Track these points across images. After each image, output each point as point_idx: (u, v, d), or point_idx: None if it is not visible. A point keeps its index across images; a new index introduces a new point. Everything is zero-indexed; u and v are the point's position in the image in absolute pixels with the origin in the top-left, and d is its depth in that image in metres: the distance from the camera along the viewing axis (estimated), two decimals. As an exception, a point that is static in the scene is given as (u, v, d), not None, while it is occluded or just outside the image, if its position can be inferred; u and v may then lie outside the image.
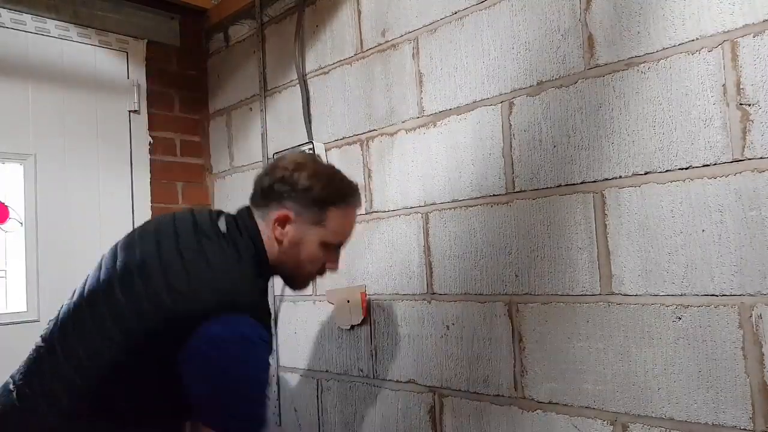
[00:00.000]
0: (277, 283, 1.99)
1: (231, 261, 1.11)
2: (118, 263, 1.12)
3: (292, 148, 1.81)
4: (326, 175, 1.20)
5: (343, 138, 1.77)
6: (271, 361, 1.11)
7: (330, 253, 1.23)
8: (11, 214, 1.84)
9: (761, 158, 1.02)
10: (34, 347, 1.14)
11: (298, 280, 1.26)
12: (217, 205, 2.29)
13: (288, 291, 1.96)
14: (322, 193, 1.16)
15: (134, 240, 1.17)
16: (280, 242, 1.17)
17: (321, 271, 1.26)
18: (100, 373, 1.04)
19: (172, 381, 1.03)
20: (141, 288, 1.06)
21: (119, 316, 1.06)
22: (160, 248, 1.11)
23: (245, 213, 1.21)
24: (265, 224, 1.18)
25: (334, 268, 1.27)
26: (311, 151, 1.77)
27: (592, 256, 1.22)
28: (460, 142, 1.46)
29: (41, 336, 1.15)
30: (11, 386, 1.10)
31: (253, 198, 1.21)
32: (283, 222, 1.16)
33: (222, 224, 1.17)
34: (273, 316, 2.00)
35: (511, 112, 1.36)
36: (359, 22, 1.73)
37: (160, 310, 1.03)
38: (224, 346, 1.02)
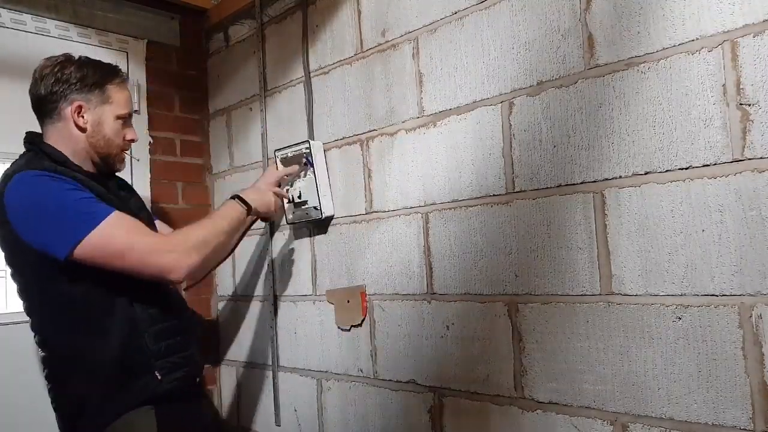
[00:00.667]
0: (277, 283, 2.00)
1: (21, 165, 1.30)
2: None
3: (292, 146, 1.81)
4: (89, 62, 1.38)
5: (343, 138, 1.77)
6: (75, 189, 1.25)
7: (126, 125, 1.42)
8: (11, 214, 1.84)
9: (761, 158, 1.02)
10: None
11: (112, 155, 1.41)
12: (218, 205, 2.29)
13: (288, 291, 1.96)
14: (95, 76, 1.35)
15: None
16: (84, 129, 1.34)
17: (125, 146, 1.43)
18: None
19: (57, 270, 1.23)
20: None
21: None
22: None
23: (27, 136, 1.39)
24: (62, 123, 1.33)
25: (134, 138, 1.44)
26: (307, 150, 1.76)
27: (592, 256, 1.22)
28: (460, 142, 1.46)
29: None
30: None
31: (39, 110, 1.36)
32: (78, 111, 1.33)
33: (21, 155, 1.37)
34: (274, 311, 2.00)
35: (511, 112, 1.36)
36: (359, 22, 1.73)
37: None
38: (16, 194, 1.22)
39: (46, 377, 1.33)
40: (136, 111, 2.12)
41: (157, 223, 1.60)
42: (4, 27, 1.86)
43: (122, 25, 2.12)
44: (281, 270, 2.00)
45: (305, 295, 1.90)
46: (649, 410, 1.14)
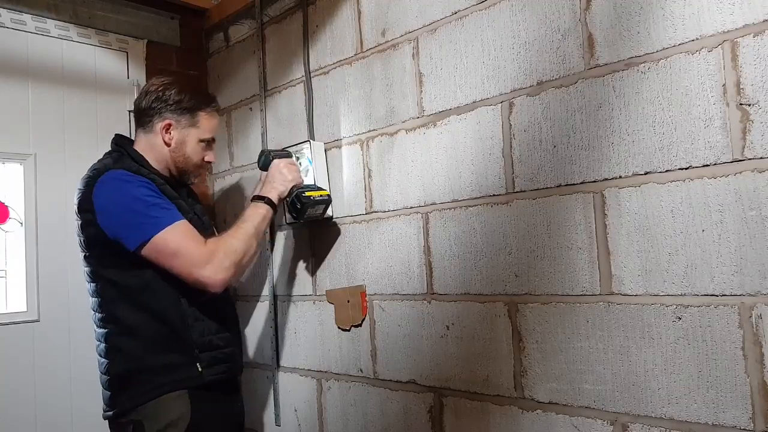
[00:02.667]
0: (277, 283, 2.00)
1: (97, 164, 1.51)
2: None
3: (293, 145, 1.81)
4: (190, 89, 1.61)
5: (343, 138, 1.77)
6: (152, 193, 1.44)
7: (207, 148, 1.62)
8: (11, 214, 1.84)
9: (761, 158, 1.02)
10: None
11: (189, 171, 1.62)
12: (218, 205, 2.29)
13: (288, 291, 1.96)
14: (190, 102, 1.56)
15: None
16: (169, 145, 1.55)
17: (205, 164, 1.65)
18: None
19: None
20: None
21: None
22: None
23: (116, 138, 1.60)
24: (153, 135, 1.55)
25: (212, 159, 1.65)
26: (308, 150, 1.77)
27: (592, 256, 1.22)
28: (460, 142, 1.46)
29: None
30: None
31: (138, 119, 1.59)
32: (167, 128, 1.54)
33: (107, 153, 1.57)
34: (274, 311, 2.00)
35: (511, 112, 1.36)
36: (359, 22, 1.73)
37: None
38: (103, 189, 1.41)
39: (102, 352, 1.47)
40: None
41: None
42: (4, 27, 1.86)
43: (122, 25, 2.12)
44: (281, 270, 2.00)
45: (305, 295, 1.90)
46: (649, 410, 1.14)
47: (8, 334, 1.75)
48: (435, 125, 1.52)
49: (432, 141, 1.52)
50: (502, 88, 1.38)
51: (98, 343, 1.49)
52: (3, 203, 1.83)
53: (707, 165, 1.08)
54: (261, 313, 2.08)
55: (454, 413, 1.46)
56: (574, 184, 1.25)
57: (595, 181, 1.22)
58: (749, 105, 1.03)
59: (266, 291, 2.04)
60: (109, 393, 1.46)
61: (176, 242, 1.39)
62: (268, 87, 2.05)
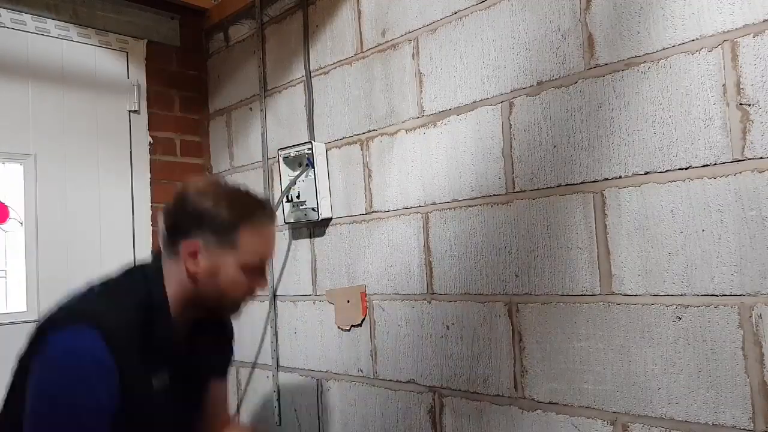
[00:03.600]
0: (277, 283, 2.00)
1: (104, 292, 1.08)
2: None
3: (294, 146, 1.81)
4: (230, 196, 1.12)
5: (343, 138, 1.77)
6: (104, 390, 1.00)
7: (254, 274, 1.14)
8: (11, 214, 1.84)
9: (761, 158, 1.02)
10: None
11: (226, 309, 1.20)
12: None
13: (288, 291, 1.96)
14: (228, 215, 1.08)
15: None
16: (194, 276, 1.08)
17: (249, 294, 1.17)
18: None
19: None
20: None
21: None
22: None
23: (155, 259, 1.14)
24: (177, 264, 1.09)
25: (263, 286, 1.19)
26: (309, 151, 1.77)
27: (592, 256, 1.22)
28: (460, 142, 1.46)
29: None
30: None
31: (163, 239, 1.12)
32: (193, 254, 1.07)
33: (130, 271, 1.14)
34: (274, 311, 2.00)
35: (511, 112, 1.36)
36: (359, 22, 1.73)
37: None
38: (46, 370, 0.99)
39: None
40: (135, 111, 2.12)
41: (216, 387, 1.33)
42: (4, 27, 1.86)
43: (122, 25, 2.12)
44: (281, 270, 2.00)
45: (305, 295, 1.90)
46: (649, 410, 1.14)
47: (8, 334, 1.75)
48: (435, 125, 1.52)
49: (432, 141, 1.52)
50: (502, 88, 1.38)
51: None
52: (3, 203, 1.83)
53: (707, 165, 1.08)
54: (261, 313, 2.08)
55: (454, 413, 1.46)
56: (574, 184, 1.25)
57: (595, 181, 1.22)
58: (749, 105, 1.03)
59: (266, 291, 2.04)
60: None
61: None
62: (268, 87, 2.05)
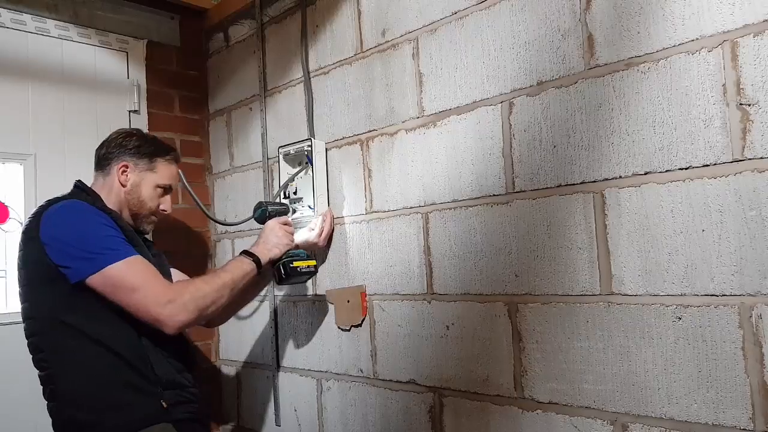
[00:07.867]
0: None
1: (65, 197, 1.45)
2: None
3: (295, 143, 1.82)
4: (150, 138, 1.61)
5: (343, 138, 1.77)
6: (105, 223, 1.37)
7: (163, 196, 1.58)
8: (11, 214, 1.84)
9: (761, 158, 1.02)
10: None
11: (141, 217, 1.55)
12: (217, 205, 2.29)
13: (288, 291, 1.96)
14: (149, 148, 1.55)
15: None
16: (124, 186, 1.52)
17: (157, 213, 1.58)
18: None
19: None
20: None
21: None
22: None
23: (76, 182, 1.54)
24: (110, 177, 1.52)
25: (166, 209, 1.59)
26: (309, 148, 1.77)
27: (592, 256, 1.22)
28: (460, 142, 1.46)
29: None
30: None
31: (96, 165, 1.56)
32: (124, 169, 1.52)
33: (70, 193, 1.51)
34: (274, 311, 2.00)
35: (511, 112, 1.36)
36: (359, 22, 1.73)
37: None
38: (53, 218, 1.35)
39: (49, 395, 1.36)
40: (135, 111, 2.13)
41: (174, 272, 1.64)
42: (4, 27, 1.86)
43: (122, 26, 2.12)
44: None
45: (305, 295, 1.90)
46: (649, 410, 1.14)
47: (8, 334, 1.75)
48: (435, 125, 1.52)
49: (432, 141, 1.52)
50: (502, 88, 1.38)
51: (43, 386, 1.37)
52: (3, 203, 1.83)
53: (707, 165, 1.08)
54: (261, 313, 2.08)
55: (454, 413, 1.46)
56: (574, 184, 1.25)
57: (595, 181, 1.22)
58: (749, 105, 1.03)
59: (266, 291, 2.04)
60: None
61: (136, 276, 1.30)
62: (268, 87, 2.05)
